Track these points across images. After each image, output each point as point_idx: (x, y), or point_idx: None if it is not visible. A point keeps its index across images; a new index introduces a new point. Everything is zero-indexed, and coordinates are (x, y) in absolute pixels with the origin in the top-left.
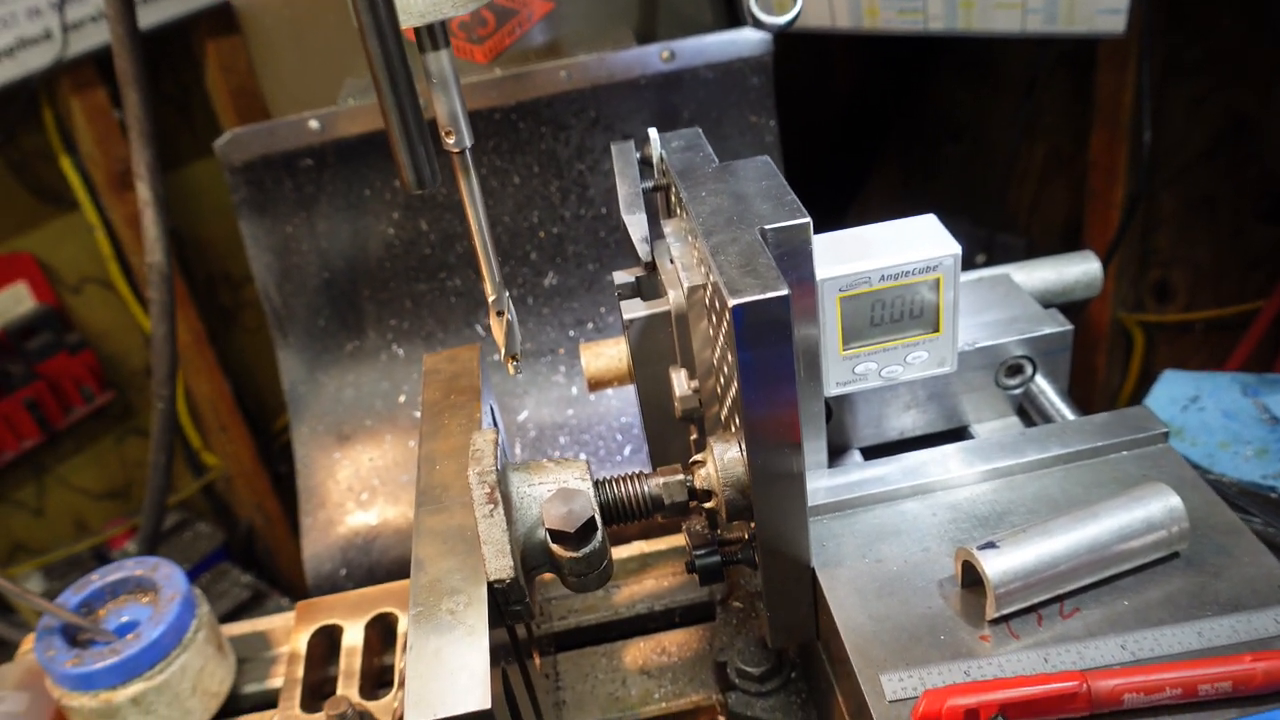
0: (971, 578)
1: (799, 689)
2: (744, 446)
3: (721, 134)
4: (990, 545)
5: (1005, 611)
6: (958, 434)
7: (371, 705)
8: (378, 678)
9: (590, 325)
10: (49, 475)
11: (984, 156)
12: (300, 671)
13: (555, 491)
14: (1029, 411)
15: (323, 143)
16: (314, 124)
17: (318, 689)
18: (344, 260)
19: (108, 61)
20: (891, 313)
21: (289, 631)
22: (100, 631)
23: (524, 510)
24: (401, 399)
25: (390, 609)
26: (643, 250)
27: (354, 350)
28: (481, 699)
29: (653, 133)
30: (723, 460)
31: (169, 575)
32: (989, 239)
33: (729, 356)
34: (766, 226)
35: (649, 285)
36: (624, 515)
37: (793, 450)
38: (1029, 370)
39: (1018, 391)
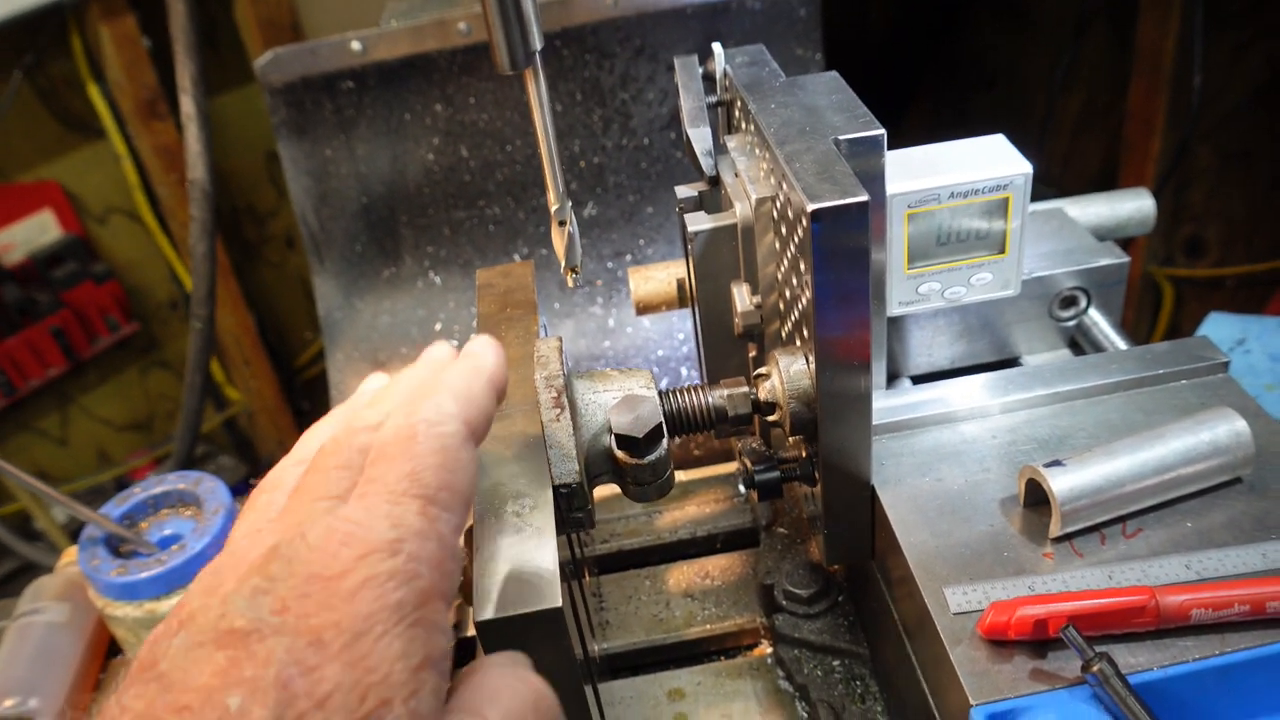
0: (1035, 497)
1: (846, 612)
2: (813, 358)
3: None
4: (1057, 463)
5: (1069, 530)
6: (1008, 365)
7: None
8: None
9: (629, 257)
10: (73, 405)
11: (1017, 105)
12: None
13: (621, 398)
14: (1082, 344)
15: (364, 65)
16: (355, 45)
17: None
18: (383, 185)
19: None
20: (958, 232)
21: None
22: (144, 543)
23: (588, 417)
24: (438, 327)
25: None
26: (706, 164)
27: (390, 277)
28: (552, 597)
29: (717, 47)
30: (788, 372)
31: (212, 489)
32: None
33: (800, 267)
34: (840, 137)
35: (711, 200)
36: (688, 426)
37: (862, 361)
38: (1083, 302)
39: (1071, 324)
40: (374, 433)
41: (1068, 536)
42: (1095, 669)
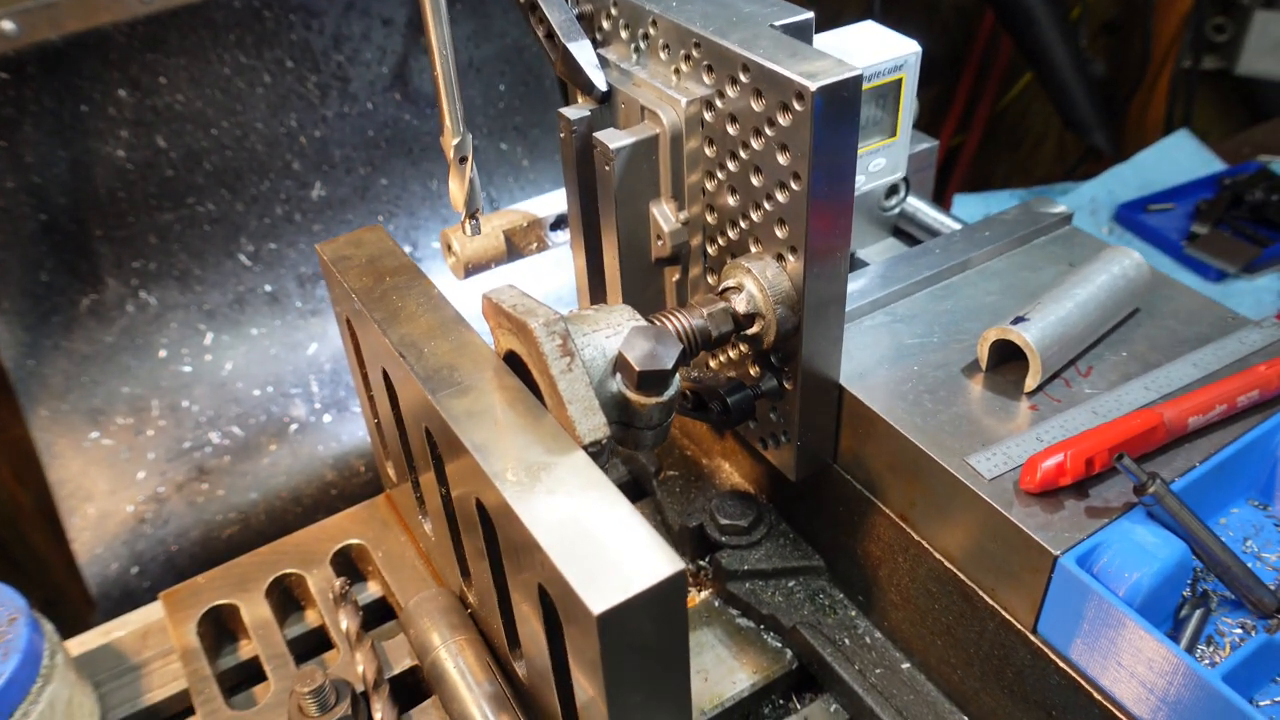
0: (996, 359)
1: (783, 532)
2: (793, 257)
3: (484, 11)
4: (1021, 320)
5: (1042, 380)
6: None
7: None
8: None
9: None
10: None
11: None
12: (205, 666)
13: (631, 331)
14: (907, 229)
15: (19, 49)
16: (7, 25)
17: (222, 682)
18: (65, 195)
19: None
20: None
21: (141, 637)
22: None
23: (590, 364)
24: (162, 354)
25: (290, 570)
26: (598, 79)
27: (92, 305)
28: (670, 559)
29: None
30: (765, 277)
31: None
32: None
33: (777, 159)
34: (775, 23)
35: (600, 119)
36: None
37: (844, 250)
38: (903, 191)
39: (894, 212)
40: None
41: (1039, 388)
42: (1152, 490)
